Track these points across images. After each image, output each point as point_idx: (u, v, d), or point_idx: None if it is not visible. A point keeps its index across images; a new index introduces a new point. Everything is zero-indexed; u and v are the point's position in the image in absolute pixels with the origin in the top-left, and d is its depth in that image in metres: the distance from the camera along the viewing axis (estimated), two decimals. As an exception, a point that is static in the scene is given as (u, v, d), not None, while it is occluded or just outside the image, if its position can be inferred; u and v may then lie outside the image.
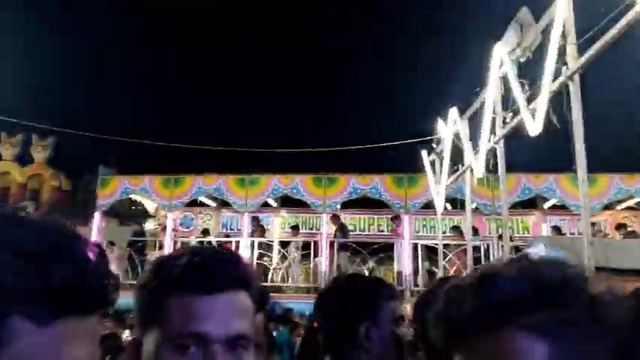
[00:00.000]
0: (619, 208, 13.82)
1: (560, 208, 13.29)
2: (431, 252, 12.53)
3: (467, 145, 7.60)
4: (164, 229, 13.58)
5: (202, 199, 14.90)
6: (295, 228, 13.43)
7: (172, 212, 13.61)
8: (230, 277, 0.85)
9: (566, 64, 4.53)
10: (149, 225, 15.42)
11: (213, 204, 15.36)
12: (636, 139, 15.40)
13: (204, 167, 14.05)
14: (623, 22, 3.64)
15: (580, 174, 4.50)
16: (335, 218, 12.68)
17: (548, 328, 0.59)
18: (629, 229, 12.12)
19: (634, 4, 3.44)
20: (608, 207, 13.13)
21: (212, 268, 0.84)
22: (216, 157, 15.28)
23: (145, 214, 15.88)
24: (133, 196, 14.58)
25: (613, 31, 3.79)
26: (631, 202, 13.60)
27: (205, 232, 14.12)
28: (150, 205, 15.31)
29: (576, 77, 4.39)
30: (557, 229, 12.50)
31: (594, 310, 0.60)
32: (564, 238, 10.50)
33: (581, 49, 4.34)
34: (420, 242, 12.64)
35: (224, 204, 14.47)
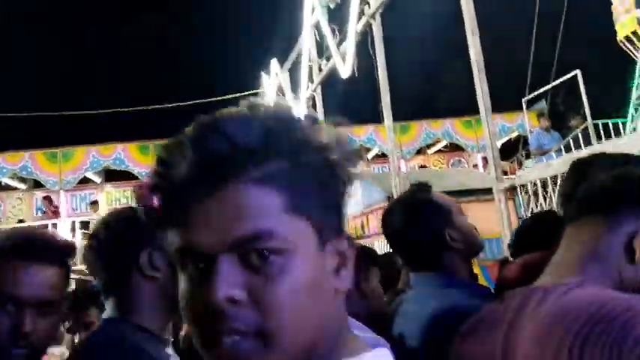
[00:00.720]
0: (430, 152, 15.37)
1: (383, 156, 14.33)
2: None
3: (288, 96, 7.67)
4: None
5: (8, 180, 13.04)
6: (94, 204, 12.27)
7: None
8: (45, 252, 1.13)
9: (368, 3, 4.70)
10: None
11: (23, 185, 13.55)
12: (437, 85, 17.13)
13: (5, 142, 12.25)
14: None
15: (385, 116, 4.71)
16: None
17: (281, 178, 0.53)
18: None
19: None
20: (420, 151, 14.56)
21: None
22: (19, 129, 13.37)
23: None
24: None
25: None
26: (440, 146, 15.20)
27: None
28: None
29: (377, 17, 4.58)
30: (363, 177, 13.85)
31: (322, 157, 0.56)
32: (376, 174, 11.85)
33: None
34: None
35: (36, 184, 12.86)
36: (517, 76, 10.86)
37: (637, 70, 10.83)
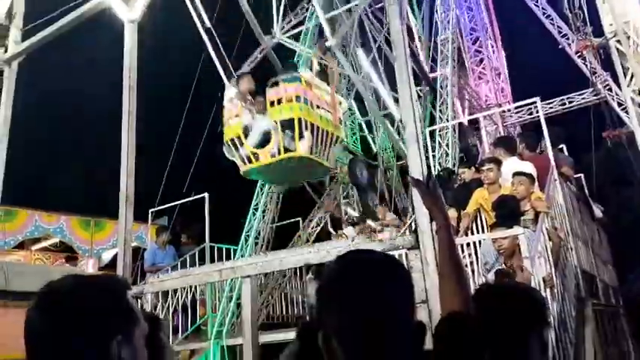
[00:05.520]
0: (34, 248, 13.37)
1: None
2: None
3: None
4: None
5: None
6: None
7: None
8: None
9: (5, 47, 3.85)
10: None
11: None
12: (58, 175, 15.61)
13: None
14: (75, 15, 3.37)
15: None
16: None
17: None
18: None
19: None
20: (23, 245, 12.48)
21: None
22: None
23: None
24: None
25: (63, 22, 3.45)
26: (47, 243, 13.45)
27: None
28: None
29: (15, 64, 3.76)
30: None
31: None
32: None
33: (28, 35, 3.79)
34: None
35: None
36: (152, 184, 10.70)
37: (252, 207, 12.37)
